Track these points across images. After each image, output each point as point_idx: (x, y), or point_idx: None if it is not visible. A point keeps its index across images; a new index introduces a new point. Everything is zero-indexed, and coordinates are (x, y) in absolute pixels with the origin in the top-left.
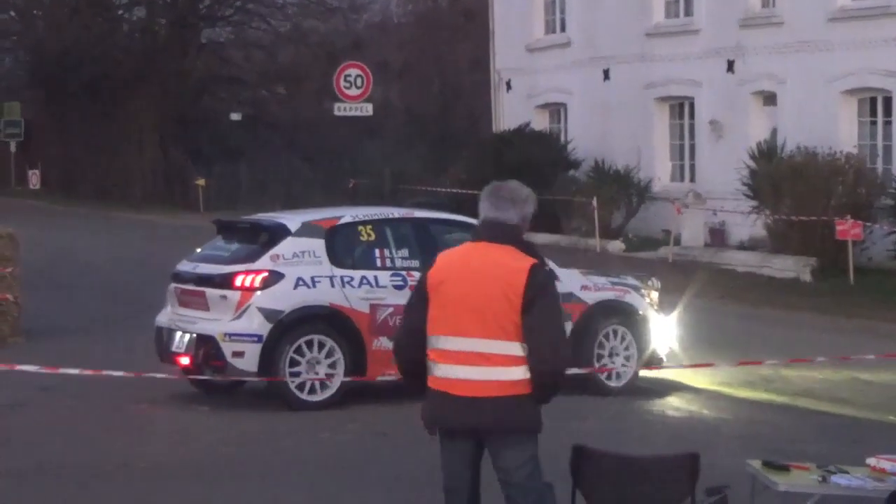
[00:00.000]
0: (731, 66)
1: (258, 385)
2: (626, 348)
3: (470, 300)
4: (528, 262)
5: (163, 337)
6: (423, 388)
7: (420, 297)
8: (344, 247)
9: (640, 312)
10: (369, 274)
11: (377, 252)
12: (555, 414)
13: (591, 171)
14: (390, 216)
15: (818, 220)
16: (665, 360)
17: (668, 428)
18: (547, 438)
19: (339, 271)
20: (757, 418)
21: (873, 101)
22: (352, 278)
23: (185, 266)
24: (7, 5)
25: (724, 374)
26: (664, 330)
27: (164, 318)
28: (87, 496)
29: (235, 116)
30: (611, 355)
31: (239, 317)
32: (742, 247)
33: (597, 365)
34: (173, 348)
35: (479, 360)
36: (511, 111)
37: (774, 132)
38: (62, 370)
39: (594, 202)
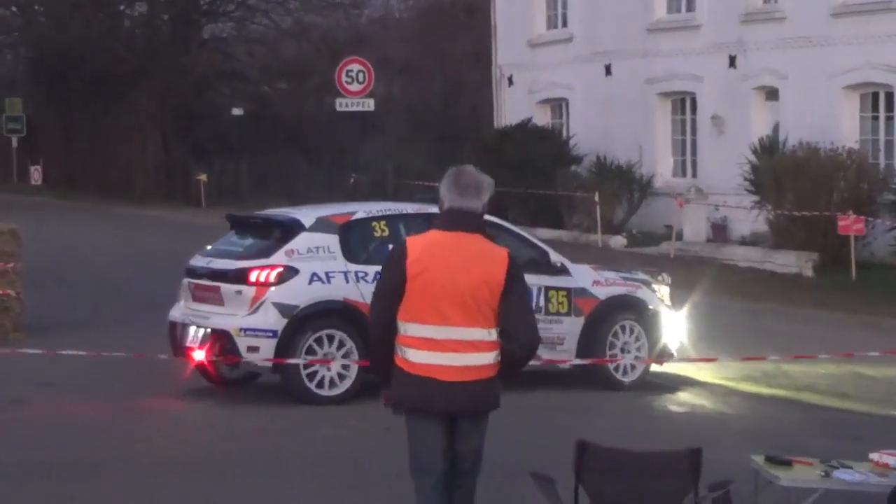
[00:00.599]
0: (732, 61)
1: (271, 380)
2: (638, 343)
3: (453, 289)
4: (504, 251)
5: (176, 331)
6: (388, 370)
7: (395, 283)
8: (358, 242)
9: (651, 307)
10: None
11: (391, 247)
12: (566, 409)
13: (592, 166)
14: (404, 212)
15: (820, 215)
16: (675, 354)
17: (672, 423)
18: (555, 434)
19: (353, 266)
20: (760, 413)
21: (875, 96)
22: (366, 273)
23: (198, 261)
24: (9, 1)
25: (727, 370)
26: (675, 325)
27: (177, 312)
28: (89, 492)
29: (237, 112)
30: (622, 350)
31: (254, 312)
32: (744, 242)
33: (618, 358)
34: (188, 343)
35: (463, 347)
36: (513, 107)
37: (776, 127)
38: (68, 351)
39: (596, 197)
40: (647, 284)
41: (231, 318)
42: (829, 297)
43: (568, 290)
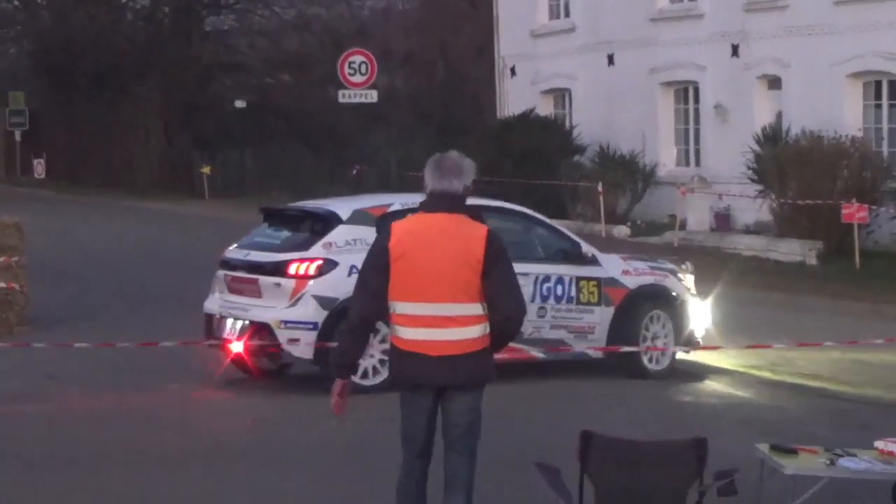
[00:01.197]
0: (735, 50)
1: (308, 369)
2: (666, 331)
3: (435, 268)
4: (483, 229)
5: (213, 324)
6: (359, 348)
7: (380, 264)
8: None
9: (679, 296)
10: None
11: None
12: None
13: (596, 156)
14: None
15: (824, 203)
16: (701, 342)
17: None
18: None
19: None
20: (764, 402)
21: (878, 84)
22: None
23: (234, 253)
24: None
25: (731, 358)
26: (700, 313)
27: (213, 304)
28: (97, 484)
29: (240, 104)
30: (652, 339)
31: (294, 304)
32: (748, 231)
33: (642, 348)
34: (225, 335)
35: (448, 322)
36: (516, 97)
37: (779, 116)
38: (77, 344)
39: (599, 187)
40: (674, 273)
41: (271, 310)
42: (833, 286)
43: (598, 279)
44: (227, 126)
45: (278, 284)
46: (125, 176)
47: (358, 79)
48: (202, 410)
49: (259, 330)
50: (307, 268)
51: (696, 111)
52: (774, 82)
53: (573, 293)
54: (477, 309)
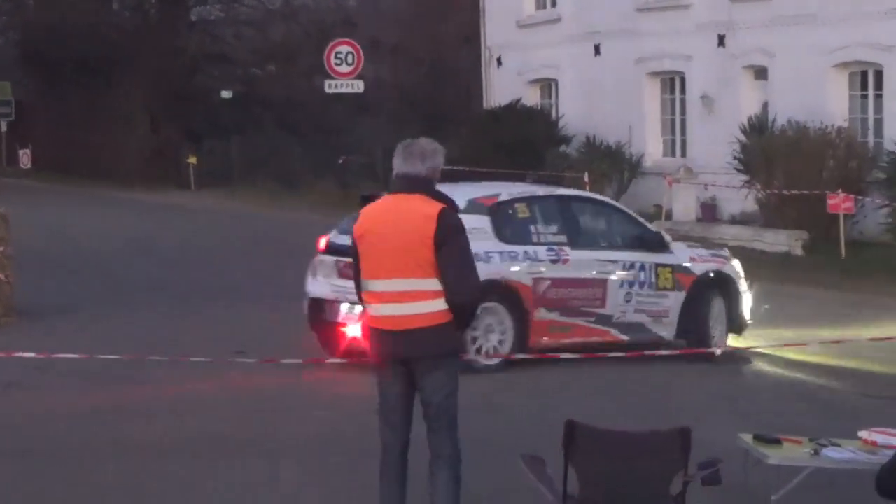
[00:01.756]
0: (721, 40)
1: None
2: (723, 315)
3: (389, 245)
4: (437, 206)
5: (322, 307)
6: None
7: (353, 250)
8: (505, 223)
9: (736, 281)
10: (529, 249)
11: (532, 228)
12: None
13: (582, 146)
14: (536, 194)
15: (810, 194)
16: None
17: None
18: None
19: (504, 246)
20: (751, 392)
21: (864, 74)
22: (516, 253)
23: (346, 240)
24: None
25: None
26: (749, 297)
27: (322, 289)
28: (83, 475)
29: (226, 94)
30: (714, 323)
31: None
32: (734, 221)
33: (711, 331)
34: (339, 318)
35: (403, 297)
36: (502, 87)
37: (766, 106)
38: (58, 355)
39: (586, 178)
40: (729, 260)
41: None
42: (819, 276)
43: (672, 266)
44: (214, 116)
45: None
46: (112, 166)
47: (344, 69)
48: (187, 401)
49: None
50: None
51: (683, 101)
52: (761, 72)
53: (653, 279)
54: (433, 284)
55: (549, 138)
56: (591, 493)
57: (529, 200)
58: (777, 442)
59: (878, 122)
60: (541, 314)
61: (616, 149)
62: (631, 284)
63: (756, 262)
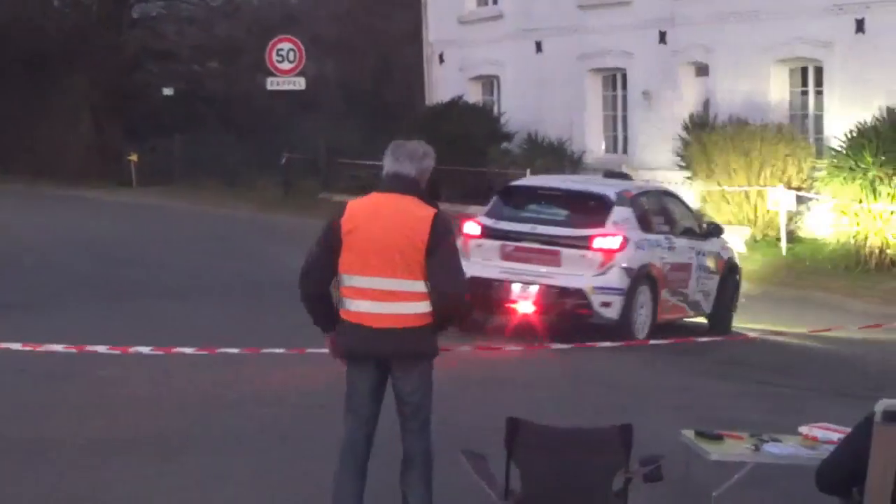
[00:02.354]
0: (663, 37)
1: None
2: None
3: (381, 244)
4: (431, 211)
5: (489, 286)
6: (323, 317)
7: (328, 240)
8: (640, 214)
9: (738, 266)
10: (658, 237)
11: (653, 218)
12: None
13: (524, 143)
14: (647, 189)
15: (751, 190)
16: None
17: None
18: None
19: (646, 235)
20: (692, 388)
21: (805, 71)
22: (652, 241)
23: (512, 226)
24: None
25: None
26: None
27: (490, 271)
28: (29, 471)
29: (168, 91)
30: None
31: (604, 273)
32: None
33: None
34: (512, 297)
35: (390, 296)
36: (444, 84)
37: (707, 103)
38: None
39: (528, 174)
40: (733, 249)
41: (579, 277)
42: (760, 272)
43: (715, 252)
44: (157, 113)
45: (584, 256)
46: (53, 164)
47: (286, 66)
48: (134, 398)
49: (568, 294)
50: (612, 242)
51: (625, 98)
52: (702, 69)
53: (707, 263)
54: (419, 286)
55: (492, 135)
56: (533, 489)
57: (647, 194)
58: (718, 438)
59: (819, 119)
60: (664, 294)
61: (558, 145)
62: (699, 268)
63: None
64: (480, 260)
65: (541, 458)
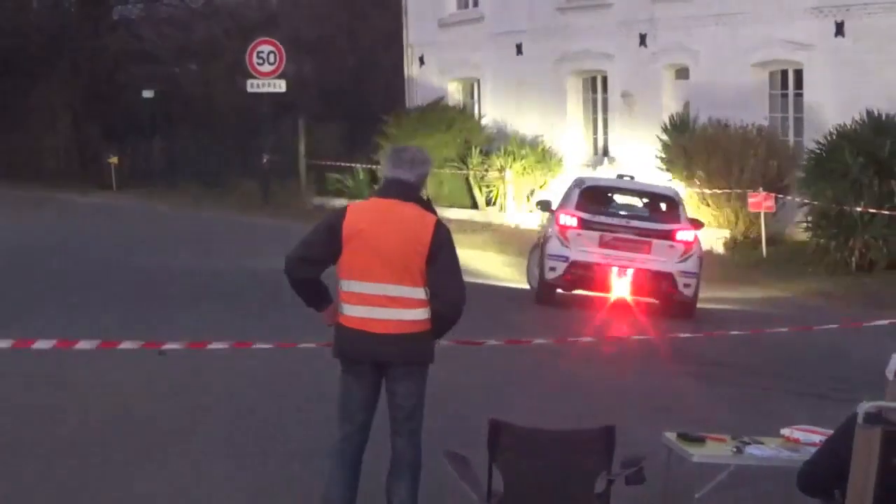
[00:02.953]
0: (643, 39)
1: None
2: None
3: (383, 250)
4: (432, 218)
5: (589, 269)
6: (315, 296)
7: (325, 239)
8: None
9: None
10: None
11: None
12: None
13: (504, 145)
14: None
15: (731, 192)
16: None
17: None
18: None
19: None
20: (672, 390)
21: (784, 73)
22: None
23: (608, 220)
24: None
25: (628, 345)
26: None
27: (590, 256)
28: (8, 472)
29: (148, 94)
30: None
31: (684, 260)
32: None
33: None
34: (611, 279)
35: (391, 302)
36: (425, 86)
37: (687, 105)
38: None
39: (508, 176)
40: None
41: (665, 263)
42: (740, 274)
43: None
44: (136, 115)
45: (672, 246)
46: (33, 166)
47: (266, 68)
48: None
49: (659, 277)
50: (689, 235)
51: (605, 100)
52: (682, 71)
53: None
54: (420, 293)
55: (473, 138)
56: (515, 492)
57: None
58: (701, 440)
59: (798, 121)
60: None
61: (539, 147)
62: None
63: None
64: (582, 247)
65: (523, 460)
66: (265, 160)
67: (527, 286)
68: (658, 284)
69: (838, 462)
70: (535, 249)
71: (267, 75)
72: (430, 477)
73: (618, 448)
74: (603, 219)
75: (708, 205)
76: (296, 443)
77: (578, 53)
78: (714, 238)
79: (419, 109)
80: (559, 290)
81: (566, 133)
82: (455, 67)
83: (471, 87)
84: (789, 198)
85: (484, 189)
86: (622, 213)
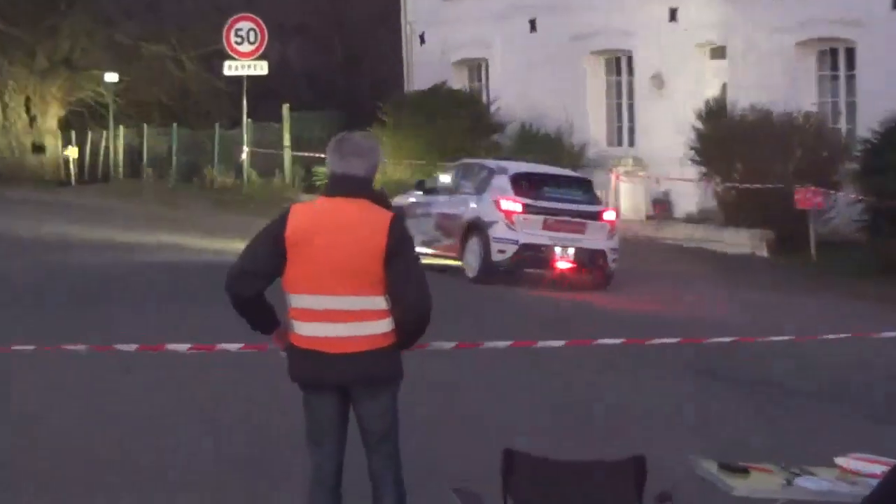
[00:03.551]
0: (673, 14)
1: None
2: None
3: (333, 257)
4: (386, 215)
5: (537, 250)
6: (262, 319)
7: (268, 247)
8: None
9: None
10: None
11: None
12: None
13: (517, 135)
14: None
15: (774, 187)
16: None
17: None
18: None
19: None
20: (706, 408)
21: (834, 52)
22: None
23: (548, 204)
24: None
25: (663, 357)
26: None
27: (538, 238)
28: None
29: (111, 78)
30: None
31: (612, 238)
32: (689, 220)
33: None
34: (556, 257)
35: (348, 316)
36: (425, 68)
37: (724, 89)
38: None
39: None
40: None
41: (598, 241)
42: (786, 280)
43: None
44: (98, 103)
45: (602, 226)
46: None
47: (246, 48)
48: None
49: (595, 254)
50: (612, 215)
51: (630, 84)
52: (718, 51)
53: None
54: (379, 302)
55: (480, 126)
56: None
57: None
58: (744, 471)
59: (851, 106)
60: None
61: (555, 137)
62: None
63: (715, 265)
64: (529, 230)
65: (541, 495)
66: (244, 152)
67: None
68: (594, 260)
69: None
70: (453, 234)
71: (246, 55)
72: None
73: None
74: (544, 203)
75: (749, 202)
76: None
77: (599, 30)
78: (757, 239)
79: (419, 94)
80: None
81: (585, 121)
82: (459, 47)
83: (477, 69)
84: (841, 193)
85: None
86: (556, 197)
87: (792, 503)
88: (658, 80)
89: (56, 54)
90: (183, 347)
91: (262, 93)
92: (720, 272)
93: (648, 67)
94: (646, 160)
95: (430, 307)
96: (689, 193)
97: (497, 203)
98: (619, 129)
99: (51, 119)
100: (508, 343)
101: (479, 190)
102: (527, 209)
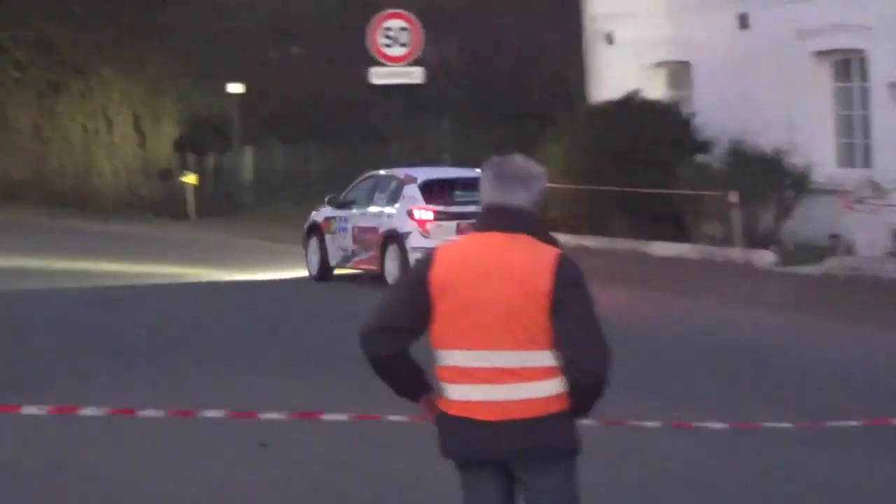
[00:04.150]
0: None
1: None
2: None
3: (488, 306)
4: (552, 252)
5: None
6: (407, 381)
7: (409, 298)
8: None
9: None
10: None
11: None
12: None
13: (727, 154)
14: None
15: None
16: None
17: None
18: None
19: None
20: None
21: None
22: None
23: (459, 209)
24: None
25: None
26: None
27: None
28: None
29: (235, 89)
30: None
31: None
32: None
33: None
34: None
35: (506, 376)
36: (614, 74)
37: None
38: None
39: (733, 198)
40: None
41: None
42: None
43: None
44: (220, 119)
45: None
46: (77, 187)
47: (397, 51)
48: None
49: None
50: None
51: (864, 91)
52: None
53: None
54: (547, 358)
55: (681, 144)
56: None
57: None
58: None
59: None
60: None
61: (774, 157)
62: None
63: None
64: (443, 237)
65: None
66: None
67: None
68: None
69: None
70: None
71: (398, 60)
72: None
73: None
74: (455, 208)
75: None
76: None
77: (825, 27)
78: None
79: (605, 106)
80: None
81: (810, 138)
82: (656, 47)
83: (679, 75)
84: None
85: (698, 214)
86: (467, 200)
87: None
88: None
89: (166, 56)
90: None
91: (412, 101)
92: None
93: (886, 71)
94: (885, 183)
95: (608, 365)
96: None
97: (410, 213)
98: (852, 146)
99: (164, 139)
100: None
101: (391, 200)
102: (439, 216)
